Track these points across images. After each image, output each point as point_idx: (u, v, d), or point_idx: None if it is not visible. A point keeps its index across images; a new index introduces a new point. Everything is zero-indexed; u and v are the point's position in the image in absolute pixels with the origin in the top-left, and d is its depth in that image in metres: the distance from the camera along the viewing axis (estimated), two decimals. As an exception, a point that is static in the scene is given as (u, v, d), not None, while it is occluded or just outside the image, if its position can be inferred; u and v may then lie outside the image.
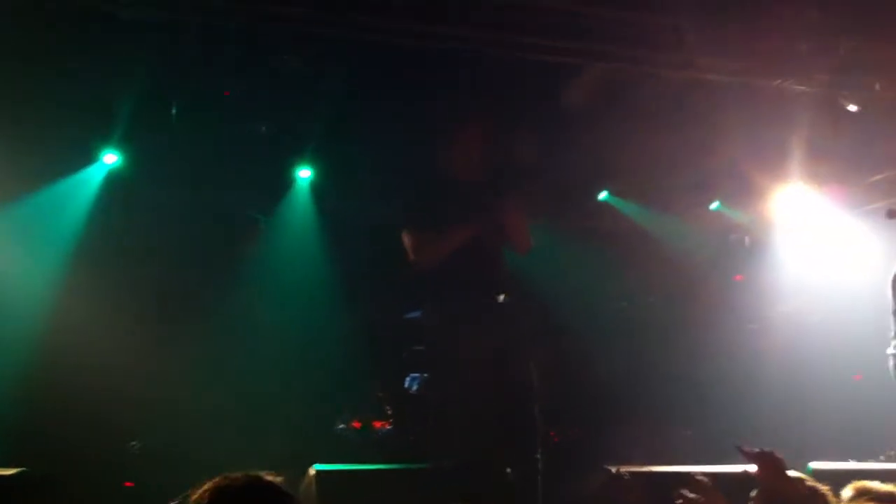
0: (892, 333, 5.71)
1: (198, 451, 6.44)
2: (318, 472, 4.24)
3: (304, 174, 7.46)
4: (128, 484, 6.19)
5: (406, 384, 7.50)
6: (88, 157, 6.86)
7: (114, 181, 6.95)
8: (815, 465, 4.31)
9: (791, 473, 3.07)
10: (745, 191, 8.22)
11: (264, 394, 6.57)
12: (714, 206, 8.59)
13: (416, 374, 7.39)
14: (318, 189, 7.63)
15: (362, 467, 4.81)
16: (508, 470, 4.50)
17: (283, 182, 7.44)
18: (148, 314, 6.64)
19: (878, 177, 7.72)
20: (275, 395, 6.59)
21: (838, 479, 3.21)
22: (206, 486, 2.02)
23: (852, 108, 6.51)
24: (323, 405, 7.05)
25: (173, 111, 6.37)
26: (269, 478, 2.08)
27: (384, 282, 7.68)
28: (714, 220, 8.72)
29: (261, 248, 7.28)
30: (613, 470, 4.34)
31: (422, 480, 4.60)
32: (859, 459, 5.69)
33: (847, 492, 3.04)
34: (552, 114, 6.67)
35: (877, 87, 6.29)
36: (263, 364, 6.63)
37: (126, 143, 6.82)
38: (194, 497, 2.01)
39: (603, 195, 8.41)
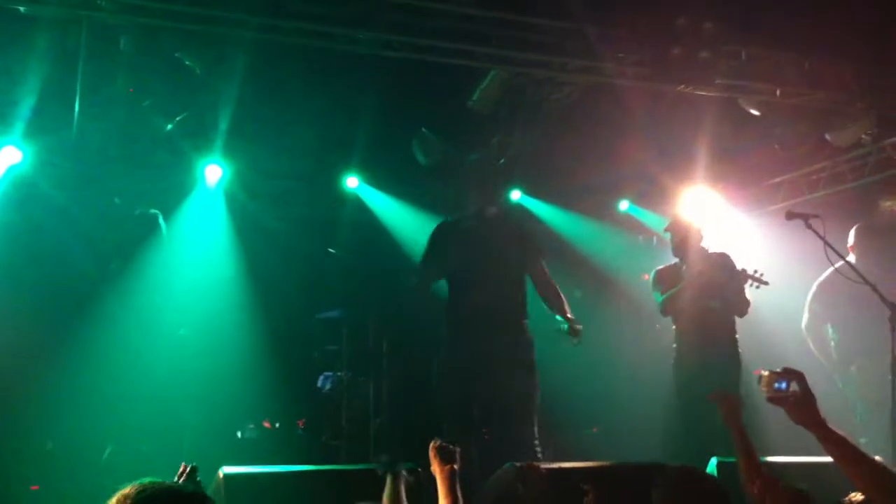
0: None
1: (99, 456, 6.32)
2: (226, 476, 4.15)
3: (213, 173, 7.33)
4: (34, 487, 6.05)
5: (319, 383, 7.48)
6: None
7: (14, 179, 6.72)
8: (719, 459, 4.43)
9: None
10: (652, 191, 8.40)
11: (169, 397, 6.44)
12: (623, 206, 8.75)
13: (329, 374, 7.38)
14: (227, 188, 7.52)
15: (270, 469, 4.75)
16: (420, 470, 4.49)
17: (190, 181, 7.31)
18: (46, 315, 6.46)
19: (777, 179, 7.96)
20: (180, 398, 6.47)
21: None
22: (125, 492, 1.98)
23: (754, 112, 6.72)
24: (231, 407, 6.96)
25: (76, 108, 6.20)
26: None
27: (294, 282, 7.65)
28: (623, 221, 8.88)
29: (164, 247, 7.13)
30: (518, 465, 4.38)
31: (331, 482, 4.56)
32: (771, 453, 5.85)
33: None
34: (459, 115, 6.71)
35: (777, 93, 6.50)
36: (168, 366, 6.50)
37: (27, 140, 6.61)
38: None
39: (516, 196, 8.48)
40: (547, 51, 5.86)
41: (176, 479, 3.25)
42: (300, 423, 7.27)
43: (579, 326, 5.37)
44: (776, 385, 2.52)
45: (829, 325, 6.04)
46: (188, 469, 3.04)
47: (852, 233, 6.23)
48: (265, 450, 6.84)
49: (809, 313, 6.07)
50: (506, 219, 5.82)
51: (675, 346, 6.08)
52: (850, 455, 2.38)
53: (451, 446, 3.36)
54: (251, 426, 7.17)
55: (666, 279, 6.01)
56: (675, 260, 6.10)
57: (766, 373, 2.57)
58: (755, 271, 5.92)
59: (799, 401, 2.46)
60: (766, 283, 5.85)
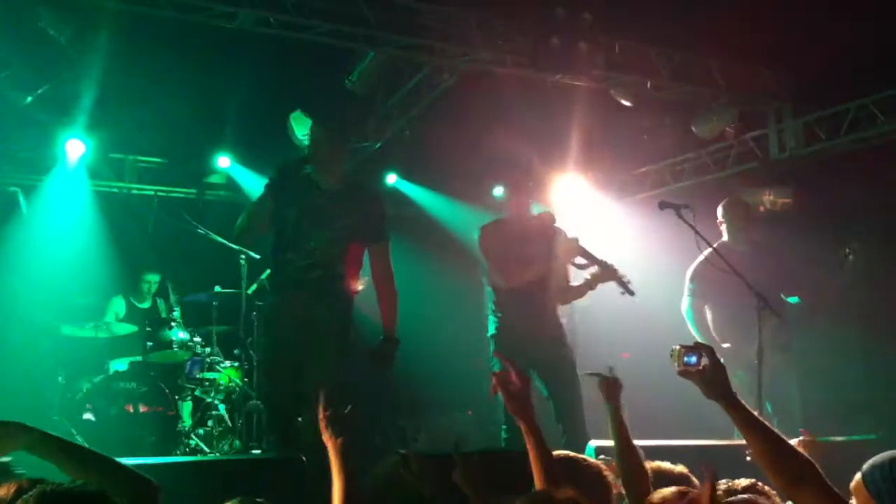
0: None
1: None
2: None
3: (76, 149, 6.99)
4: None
5: (186, 369, 7.25)
6: None
7: None
8: (595, 443, 4.51)
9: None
10: (526, 178, 8.50)
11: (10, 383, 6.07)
12: (497, 192, 8.84)
13: (198, 358, 7.15)
14: (89, 164, 7.19)
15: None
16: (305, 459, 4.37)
17: (49, 157, 6.95)
18: None
19: (644, 169, 8.23)
20: (25, 383, 6.12)
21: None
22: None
23: (625, 103, 6.90)
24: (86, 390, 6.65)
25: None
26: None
27: (163, 260, 7.38)
28: (497, 206, 8.96)
29: (22, 225, 6.76)
30: (402, 452, 4.36)
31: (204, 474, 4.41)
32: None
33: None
34: (336, 97, 6.62)
35: (648, 84, 6.71)
36: (20, 350, 6.17)
37: None
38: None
39: (392, 179, 8.44)
40: (426, 35, 5.86)
41: None
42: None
43: None
44: (686, 359, 2.55)
45: (707, 306, 6.20)
46: None
47: (720, 208, 6.42)
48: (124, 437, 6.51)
49: (691, 296, 6.20)
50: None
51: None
52: (755, 428, 2.42)
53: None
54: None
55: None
56: None
57: (677, 347, 2.61)
58: (625, 276, 5.48)
59: (709, 374, 2.50)
60: (631, 294, 5.44)
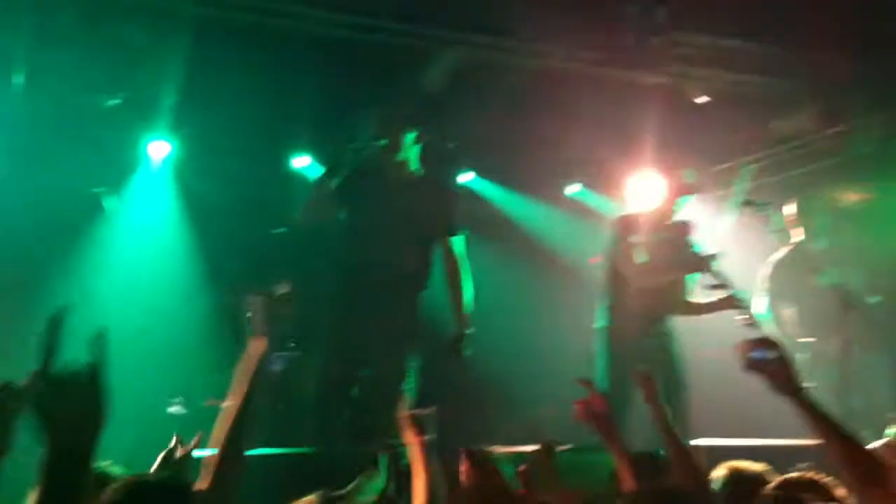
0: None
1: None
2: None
3: (160, 150, 7.19)
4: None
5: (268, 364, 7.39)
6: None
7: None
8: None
9: None
10: (602, 176, 8.46)
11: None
12: (573, 190, 8.80)
13: (282, 354, 7.29)
14: (176, 165, 7.40)
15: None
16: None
17: (134, 158, 7.17)
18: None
19: (724, 166, 8.07)
20: (125, 378, 6.35)
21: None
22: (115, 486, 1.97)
23: (701, 99, 6.79)
24: (179, 387, 6.86)
25: (16, 82, 6.03)
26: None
27: (245, 261, 7.54)
28: (573, 205, 8.93)
29: (108, 226, 6.99)
30: (470, 450, 4.37)
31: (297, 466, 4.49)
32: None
33: (720, 471, 3.11)
34: (410, 97, 6.67)
35: (725, 80, 6.59)
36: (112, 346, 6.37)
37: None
38: (104, 497, 1.93)
39: (467, 178, 8.47)
40: (499, 34, 5.85)
41: (167, 453, 3.15)
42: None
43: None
44: (753, 354, 2.52)
45: (785, 305, 6.08)
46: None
47: (795, 207, 6.27)
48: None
49: (769, 295, 6.05)
50: None
51: None
52: (827, 425, 2.36)
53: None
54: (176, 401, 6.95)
55: None
56: None
57: (742, 342, 2.58)
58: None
59: (777, 369, 2.45)
60: (755, 329, 5.05)
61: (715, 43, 6.42)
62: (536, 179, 8.52)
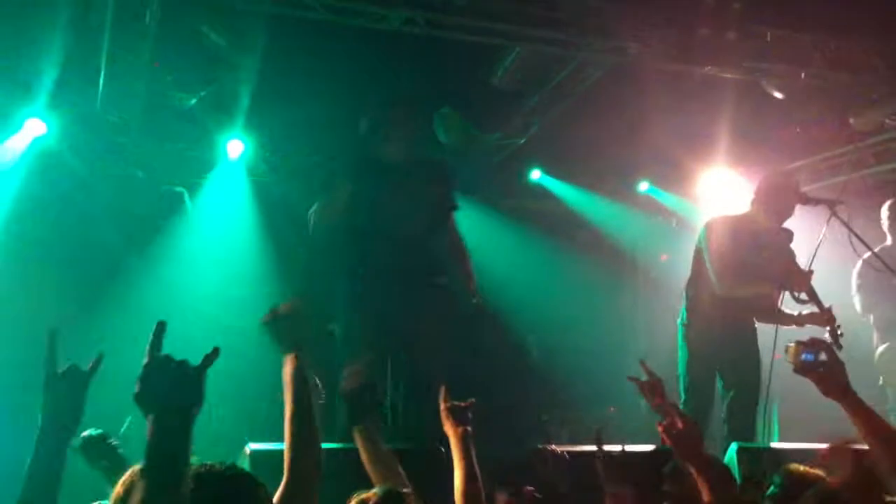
0: None
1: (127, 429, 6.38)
2: (253, 452, 4.08)
3: (235, 148, 7.35)
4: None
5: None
6: (10, 126, 6.68)
7: (39, 151, 6.77)
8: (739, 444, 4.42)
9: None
10: (672, 173, 8.38)
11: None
12: (643, 188, 8.74)
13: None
14: (250, 163, 7.55)
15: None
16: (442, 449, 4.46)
17: (212, 156, 7.34)
18: (72, 286, 6.52)
19: (798, 163, 7.92)
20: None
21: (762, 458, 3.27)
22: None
23: (777, 94, 6.67)
24: (254, 383, 6.98)
25: (100, 82, 6.21)
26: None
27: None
28: (642, 202, 8.87)
29: (188, 222, 7.17)
30: (538, 447, 4.39)
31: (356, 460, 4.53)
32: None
33: (777, 477, 3.05)
34: (480, 94, 6.70)
35: (801, 75, 6.45)
36: (191, 341, 6.54)
37: (51, 112, 6.65)
38: None
39: (536, 175, 8.47)
40: (570, 30, 5.83)
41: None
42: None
43: None
44: (804, 356, 2.50)
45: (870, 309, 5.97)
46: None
47: (885, 209, 6.10)
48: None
49: (859, 298, 5.90)
50: None
51: None
52: (877, 428, 2.34)
53: (462, 406, 3.25)
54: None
55: None
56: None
57: (792, 345, 2.56)
58: (839, 327, 5.02)
59: (826, 371, 2.43)
60: (839, 348, 4.77)
61: (791, 36, 6.30)
62: (605, 177, 8.49)
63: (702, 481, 2.64)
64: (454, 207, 5.17)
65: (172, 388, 1.86)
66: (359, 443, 3.23)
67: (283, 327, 2.81)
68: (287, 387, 2.74)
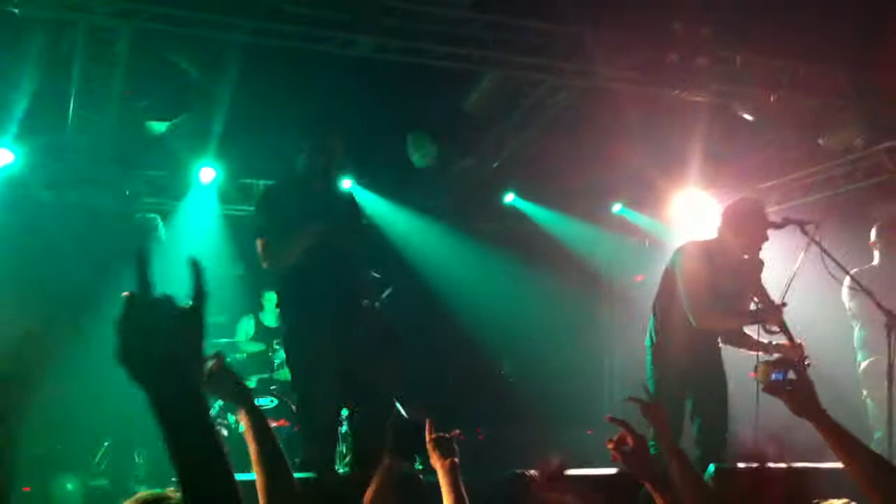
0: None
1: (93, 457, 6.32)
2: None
3: (207, 175, 7.31)
4: (25, 489, 6.07)
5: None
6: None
7: (7, 180, 6.70)
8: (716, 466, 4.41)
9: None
10: (645, 195, 8.44)
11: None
12: (616, 209, 8.78)
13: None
14: (221, 190, 7.52)
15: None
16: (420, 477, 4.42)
17: (184, 183, 7.30)
18: (43, 318, 6.43)
19: (770, 183, 7.99)
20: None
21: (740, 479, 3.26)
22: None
23: (747, 116, 6.73)
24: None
25: (70, 111, 6.17)
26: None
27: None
28: (616, 223, 8.91)
29: (162, 252, 7.10)
30: (518, 471, 4.36)
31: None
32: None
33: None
34: (453, 118, 6.72)
35: (771, 98, 6.51)
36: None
37: (19, 142, 6.59)
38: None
39: (510, 198, 8.49)
40: (542, 54, 5.87)
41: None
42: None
43: None
44: (773, 376, 2.50)
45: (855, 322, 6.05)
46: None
47: (875, 230, 6.18)
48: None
49: (854, 303, 6.00)
50: None
51: None
52: (849, 446, 2.32)
53: (449, 437, 3.20)
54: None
55: None
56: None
57: (761, 364, 2.56)
58: (807, 361, 4.88)
59: (796, 390, 2.43)
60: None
61: (760, 61, 6.37)
62: (578, 199, 8.53)
63: (660, 500, 2.62)
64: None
65: (169, 337, 1.38)
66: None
67: (217, 384, 2.70)
68: (249, 440, 2.64)
